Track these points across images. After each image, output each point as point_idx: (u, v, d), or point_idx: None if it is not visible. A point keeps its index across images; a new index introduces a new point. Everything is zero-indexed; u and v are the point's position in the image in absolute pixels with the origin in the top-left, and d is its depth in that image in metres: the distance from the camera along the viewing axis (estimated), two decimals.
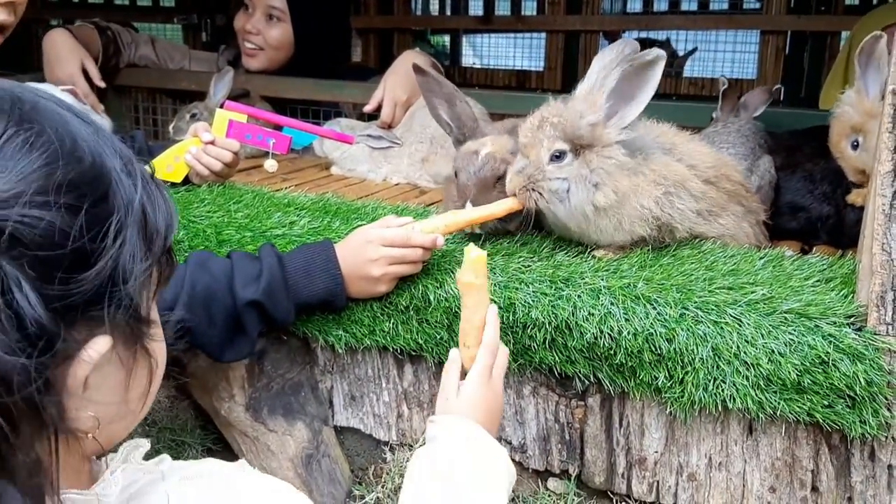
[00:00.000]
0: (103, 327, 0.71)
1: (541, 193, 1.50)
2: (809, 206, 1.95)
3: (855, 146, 1.74)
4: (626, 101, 1.48)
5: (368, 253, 1.51)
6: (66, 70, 2.74)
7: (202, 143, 2.04)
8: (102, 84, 2.80)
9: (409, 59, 2.61)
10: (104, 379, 0.74)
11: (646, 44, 1.52)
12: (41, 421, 0.66)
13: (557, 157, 1.50)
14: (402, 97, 2.60)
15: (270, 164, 2.16)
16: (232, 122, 2.08)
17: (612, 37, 5.81)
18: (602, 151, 1.49)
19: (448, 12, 6.37)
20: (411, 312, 1.58)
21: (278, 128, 2.20)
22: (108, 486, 0.77)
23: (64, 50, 2.78)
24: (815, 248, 1.88)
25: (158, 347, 0.82)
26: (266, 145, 2.13)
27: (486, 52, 6.95)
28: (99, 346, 0.70)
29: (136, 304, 0.74)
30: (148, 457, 0.87)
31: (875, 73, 1.64)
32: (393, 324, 1.60)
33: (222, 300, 1.48)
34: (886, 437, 1.31)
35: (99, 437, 0.75)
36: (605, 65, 1.53)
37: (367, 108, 2.65)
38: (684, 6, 5.94)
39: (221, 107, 2.18)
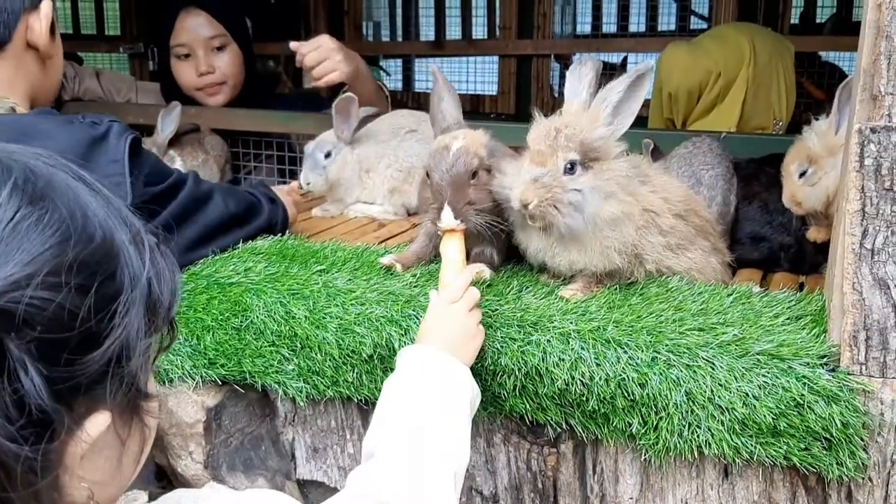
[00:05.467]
0: (104, 404, 0.70)
1: (558, 208, 1.46)
2: (770, 236, 1.95)
3: (802, 174, 1.74)
4: (621, 115, 1.51)
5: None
6: None
7: None
8: None
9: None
10: (100, 452, 0.73)
11: (605, 66, 1.55)
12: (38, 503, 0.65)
13: (570, 168, 1.48)
14: (340, 60, 2.55)
15: None
16: None
17: (564, 60, 5.87)
18: (610, 164, 1.50)
19: (399, 38, 6.36)
20: (375, 361, 1.52)
21: None
22: None
23: None
24: (775, 276, 1.87)
25: (153, 417, 0.81)
26: None
27: None
28: (98, 423, 0.69)
29: (137, 380, 0.73)
30: None
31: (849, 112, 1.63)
32: (357, 374, 1.54)
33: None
34: (863, 479, 1.29)
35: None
36: (589, 82, 1.52)
37: (293, 45, 2.57)
38: (633, 27, 6.02)
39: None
